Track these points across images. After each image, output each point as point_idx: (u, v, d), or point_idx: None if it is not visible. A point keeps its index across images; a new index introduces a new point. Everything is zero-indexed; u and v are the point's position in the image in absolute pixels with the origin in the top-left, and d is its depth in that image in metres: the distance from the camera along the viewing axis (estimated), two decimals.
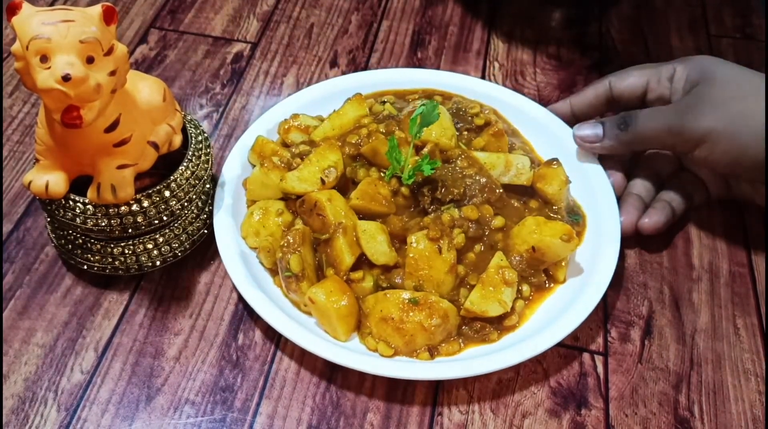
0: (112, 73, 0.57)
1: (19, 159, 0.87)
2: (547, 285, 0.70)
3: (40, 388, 0.67)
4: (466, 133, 0.78)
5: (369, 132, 0.75)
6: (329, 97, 0.85)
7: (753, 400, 0.67)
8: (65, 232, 0.73)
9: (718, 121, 0.67)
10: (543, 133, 0.83)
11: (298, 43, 1.04)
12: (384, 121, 0.78)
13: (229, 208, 0.75)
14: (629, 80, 0.78)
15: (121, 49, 0.59)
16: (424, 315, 0.64)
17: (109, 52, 0.57)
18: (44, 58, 0.54)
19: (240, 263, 0.70)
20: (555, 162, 0.75)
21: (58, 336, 0.71)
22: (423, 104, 0.69)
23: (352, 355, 0.64)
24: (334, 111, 0.81)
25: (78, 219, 0.67)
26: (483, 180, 0.71)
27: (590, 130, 0.77)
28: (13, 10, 0.56)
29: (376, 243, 0.67)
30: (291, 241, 0.67)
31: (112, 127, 0.62)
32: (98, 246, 0.71)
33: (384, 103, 0.83)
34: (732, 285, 0.76)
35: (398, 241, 0.70)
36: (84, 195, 0.66)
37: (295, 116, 0.82)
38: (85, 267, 0.72)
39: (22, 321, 0.72)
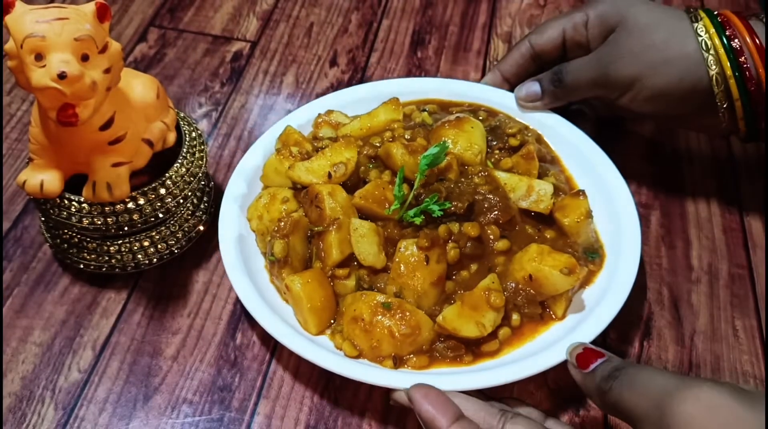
0: (107, 71, 0.57)
1: (17, 157, 0.87)
2: (542, 319, 0.67)
3: (38, 386, 0.67)
4: (498, 152, 0.76)
5: (393, 136, 0.74)
6: (373, 99, 0.83)
7: None
8: (60, 232, 0.73)
9: (641, 69, 0.70)
10: (585, 166, 0.78)
11: (297, 42, 1.04)
12: (415, 128, 0.76)
13: (242, 193, 0.75)
14: (547, 34, 0.80)
15: (115, 46, 0.58)
16: (395, 322, 0.62)
17: (104, 49, 0.57)
18: (39, 57, 0.54)
19: (233, 244, 0.71)
20: (581, 193, 0.70)
21: (56, 334, 0.71)
22: (437, 145, 0.68)
23: (307, 345, 0.63)
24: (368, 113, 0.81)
25: (73, 218, 0.67)
26: (494, 199, 0.69)
27: (530, 88, 0.80)
28: (6, 8, 0.56)
29: (365, 242, 0.66)
30: (281, 226, 0.67)
31: (106, 125, 0.62)
32: (94, 245, 0.71)
33: (424, 110, 0.82)
34: (731, 287, 0.76)
35: (393, 246, 0.68)
36: (79, 194, 0.66)
37: (329, 112, 0.82)
38: (81, 266, 0.72)
39: (20, 319, 0.72)
